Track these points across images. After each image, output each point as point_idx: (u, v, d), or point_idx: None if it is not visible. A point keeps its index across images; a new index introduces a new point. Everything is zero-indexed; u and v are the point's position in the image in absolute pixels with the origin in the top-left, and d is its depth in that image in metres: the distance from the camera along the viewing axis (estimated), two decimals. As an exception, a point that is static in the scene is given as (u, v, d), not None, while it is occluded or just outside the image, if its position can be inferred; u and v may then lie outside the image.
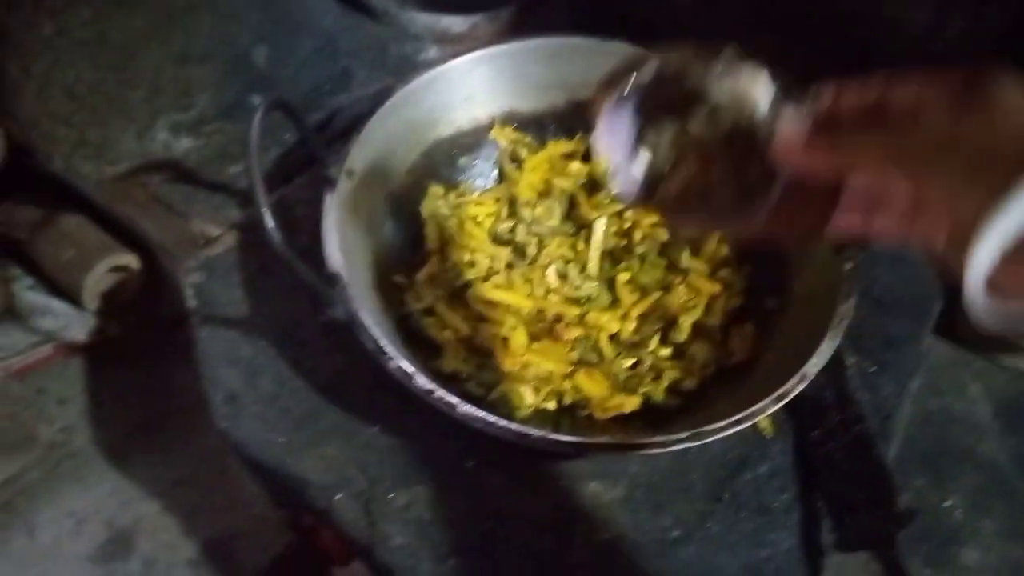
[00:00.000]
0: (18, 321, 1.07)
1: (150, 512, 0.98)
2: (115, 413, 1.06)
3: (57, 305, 1.07)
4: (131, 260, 1.04)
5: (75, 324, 1.06)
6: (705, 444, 0.62)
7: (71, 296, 1.05)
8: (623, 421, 0.69)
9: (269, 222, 0.53)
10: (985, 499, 0.88)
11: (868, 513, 0.60)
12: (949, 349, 1.03)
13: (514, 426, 0.57)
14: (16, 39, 0.87)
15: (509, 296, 0.77)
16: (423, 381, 0.58)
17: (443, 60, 0.82)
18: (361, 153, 0.73)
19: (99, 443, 1.03)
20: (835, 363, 0.67)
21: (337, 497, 0.63)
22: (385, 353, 0.59)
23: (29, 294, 1.07)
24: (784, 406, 0.62)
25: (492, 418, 0.57)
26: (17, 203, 1.07)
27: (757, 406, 0.59)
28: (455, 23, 1.15)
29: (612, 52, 0.84)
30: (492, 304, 0.76)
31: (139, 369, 1.08)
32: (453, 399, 0.58)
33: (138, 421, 1.05)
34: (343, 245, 0.66)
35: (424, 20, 1.14)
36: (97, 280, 1.03)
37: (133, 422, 1.05)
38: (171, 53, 0.86)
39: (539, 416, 0.70)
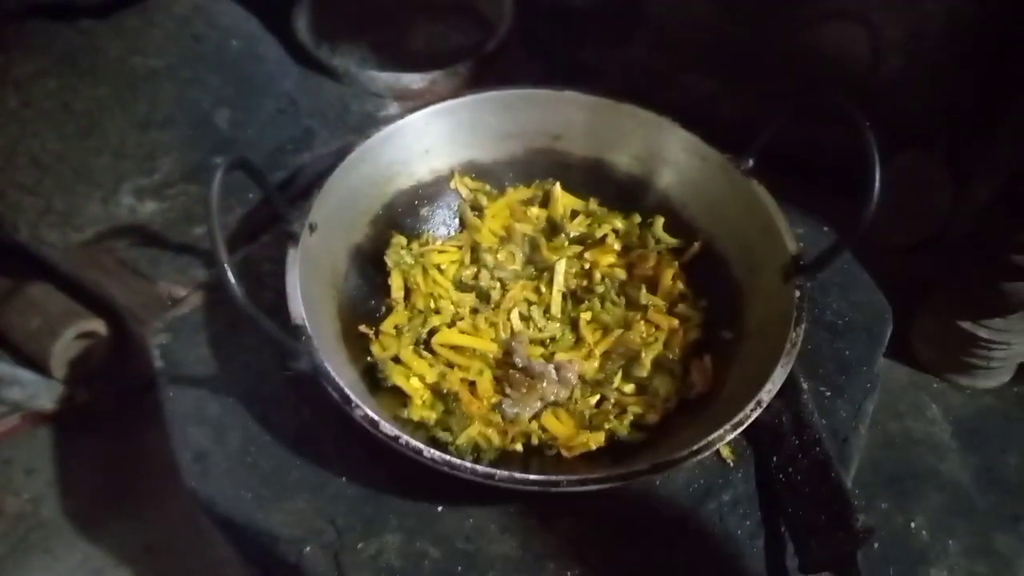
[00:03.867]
0: (-16, 392, 1.06)
1: (121, 580, 0.96)
2: (84, 481, 1.04)
3: (24, 375, 1.06)
4: (98, 326, 1.04)
5: (43, 393, 1.06)
6: (669, 476, 0.64)
7: (39, 365, 1.04)
8: (590, 458, 0.70)
9: (230, 279, 0.54)
10: (949, 518, 0.90)
11: (828, 534, 0.61)
12: (906, 372, 1.06)
13: (480, 467, 0.58)
14: (-20, 113, 0.89)
15: (475, 341, 0.78)
16: (389, 428, 0.59)
17: (401, 114, 0.85)
18: (323, 207, 0.75)
19: (68, 512, 1.01)
20: (791, 389, 0.69)
21: (307, 550, 0.62)
22: (351, 402, 0.60)
23: (-4, 365, 1.07)
24: (744, 434, 0.64)
25: (457, 461, 0.58)
26: (-18, 274, 1.07)
27: (713, 435, 0.61)
28: (414, 80, 1.18)
29: (566, 101, 0.87)
30: (458, 349, 0.78)
31: (108, 435, 1.07)
32: (419, 445, 0.59)
33: (107, 488, 1.03)
34: (306, 298, 0.67)
35: (384, 79, 1.17)
36: (65, 348, 1.03)
37: (102, 489, 1.03)
38: (134, 119, 0.88)
39: (507, 458, 0.70)
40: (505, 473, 0.58)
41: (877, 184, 0.64)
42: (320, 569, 0.62)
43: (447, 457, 0.59)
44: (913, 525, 0.89)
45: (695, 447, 0.60)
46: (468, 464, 0.59)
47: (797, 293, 0.70)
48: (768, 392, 0.63)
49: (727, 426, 0.61)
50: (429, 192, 0.87)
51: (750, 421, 0.62)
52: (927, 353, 1.07)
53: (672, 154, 0.85)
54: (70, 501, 1.02)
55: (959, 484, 0.94)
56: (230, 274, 0.55)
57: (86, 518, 1.01)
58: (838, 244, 0.70)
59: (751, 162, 0.80)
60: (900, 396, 1.03)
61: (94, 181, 0.88)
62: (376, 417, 0.60)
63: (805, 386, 0.71)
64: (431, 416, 0.71)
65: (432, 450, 0.59)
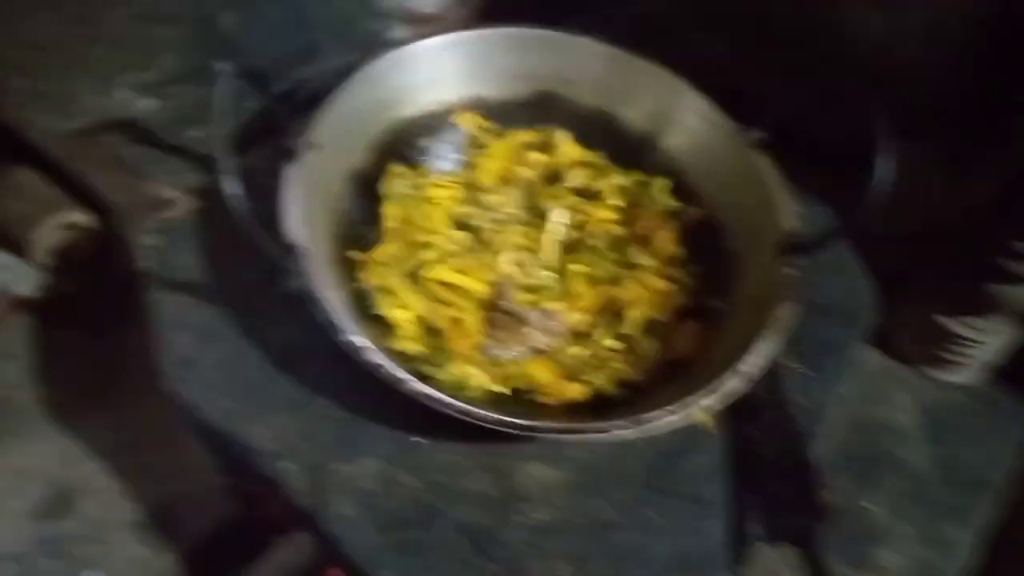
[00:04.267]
0: (-38, 274, 1.04)
1: (93, 473, 0.96)
2: (62, 371, 1.04)
3: (5, 259, 1.04)
4: (83, 218, 1.01)
5: (23, 278, 1.04)
6: (645, 433, 0.65)
7: (19, 251, 1.03)
8: (571, 409, 0.71)
9: (232, 188, 0.53)
10: (905, 503, 0.93)
11: (792, 508, 0.63)
12: (881, 359, 1.07)
13: (459, 403, 0.59)
14: (-26, -17, 0.85)
15: (465, 280, 0.78)
16: (373, 356, 0.60)
17: (411, 40, 0.83)
18: (325, 126, 0.73)
19: (44, 402, 1.01)
20: (772, 364, 0.70)
21: (284, 465, 0.64)
22: (337, 327, 0.60)
23: (-25, 246, 1.04)
24: (724, 403, 0.65)
25: (437, 395, 0.59)
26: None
27: (691, 397, 0.62)
28: (425, 3, 1.14)
29: (582, 47, 0.86)
30: (448, 286, 0.78)
31: (88, 330, 1.06)
32: (401, 375, 0.59)
33: (86, 380, 1.03)
34: (302, 217, 0.66)
35: (394, -2, 1.13)
36: (47, 235, 1.00)
37: (80, 381, 1.03)
38: (136, 11, 0.85)
39: (489, 399, 0.71)
40: (484, 412, 0.59)
41: (881, 174, 0.64)
42: (296, 485, 0.63)
43: (426, 390, 0.59)
44: (870, 507, 0.92)
45: (671, 407, 0.61)
46: (448, 399, 0.59)
47: (790, 271, 0.71)
48: (750, 364, 0.65)
49: (705, 391, 0.62)
50: (432, 123, 0.86)
51: (728, 389, 0.63)
52: (902, 342, 1.08)
53: (682, 116, 0.84)
54: (47, 390, 1.02)
55: (919, 471, 0.97)
56: (232, 184, 0.54)
57: (62, 409, 1.01)
58: (838, 228, 0.71)
59: (759, 134, 0.79)
60: (871, 381, 1.05)
61: (89, 70, 0.85)
62: (361, 344, 0.60)
63: (786, 363, 0.73)
64: (416, 348, 0.72)
65: (413, 381, 0.59)
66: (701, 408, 0.62)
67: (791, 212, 0.75)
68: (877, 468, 0.97)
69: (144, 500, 0.96)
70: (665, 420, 0.60)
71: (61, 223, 1.01)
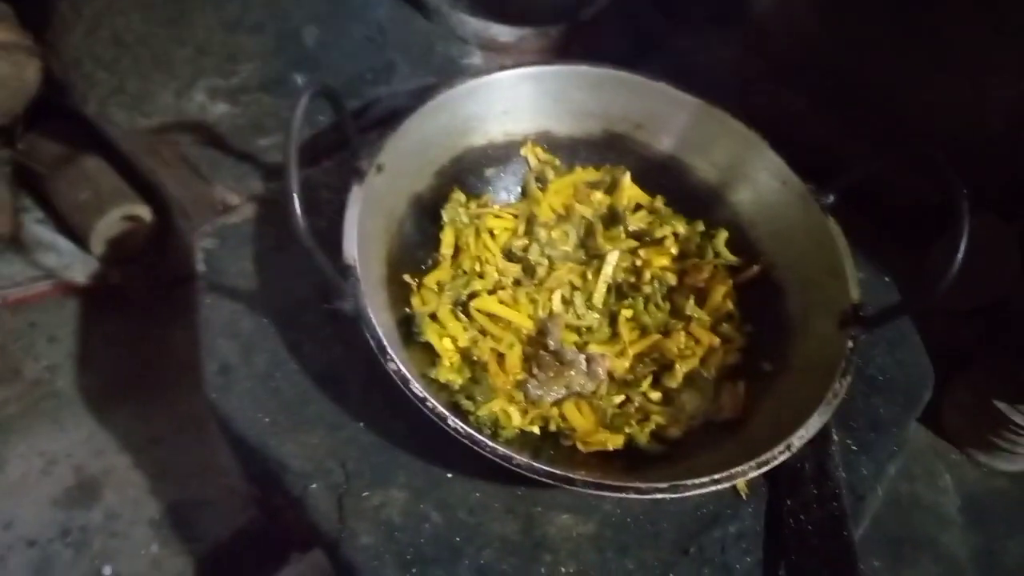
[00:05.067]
0: (22, 253, 1.07)
1: (121, 465, 0.97)
2: (103, 360, 1.05)
3: (63, 243, 1.07)
4: (145, 212, 1.04)
5: (78, 265, 1.06)
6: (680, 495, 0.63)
7: (79, 237, 1.05)
8: (603, 457, 0.70)
9: (296, 209, 0.53)
10: (939, 590, 0.89)
11: (828, 591, 0.61)
12: (928, 436, 1.04)
13: (501, 448, 0.57)
14: (72, -24, 0.88)
15: (511, 313, 0.77)
16: (419, 389, 0.59)
17: (487, 68, 0.83)
18: (395, 149, 0.73)
19: (82, 388, 1.03)
20: (820, 437, 0.68)
21: (312, 486, 0.63)
22: (387, 354, 0.60)
23: (37, 228, 1.07)
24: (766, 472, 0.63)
25: (480, 437, 0.58)
26: (42, 137, 1.07)
27: (738, 468, 0.60)
28: (503, 32, 1.15)
29: (657, 92, 0.85)
30: (494, 318, 0.77)
31: (133, 321, 1.08)
32: (444, 411, 0.58)
33: (124, 372, 1.04)
34: (361, 238, 0.66)
35: (474, 25, 1.14)
36: (108, 226, 1.03)
37: (119, 372, 1.04)
38: (223, 18, 0.87)
39: (523, 439, 0.70)
40: (523, 460, 0.57)
41: (961, 252, 0.62)
42: (323, 508, 0.62)
43: (470, 431, 0.58)
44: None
45: (717, 476, 0.59)
46: (489, 442, 0.58)
47: (850, 344, 0.68)
48: (800, 438, 0.62)
49: (752, 463, 0.60)
50: (499, 154, 0.86)
51: (777, 462, 0.61)
52: (954, 423, 1.05)
53: (753, 171, 0.83)
54: (86, 377, 1.04)
55: (955, 559, 0.93)
56: (297, 204, 0.54)
57: (98, 397, 1.02)
58: (905, 304, 0.68)
59: (832, 198, 0.77)
60: (916, 459, 1.02)
61: (171, 71, 0.87)
62: (408, 375, 0.60)
63: (835, 437, 0.70)
64: (457, 380, 0.71)
65: (456, 420, 0.58)
66: (747, 478, 0.60)
67: (856, 281, 0.73)
68: (914, 550, 0.93)
69: (166, 498, 0.97)
70: (708, 488, 0.58)
71: (123, 215, 1.03)
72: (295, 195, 0.54)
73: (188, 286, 0.77)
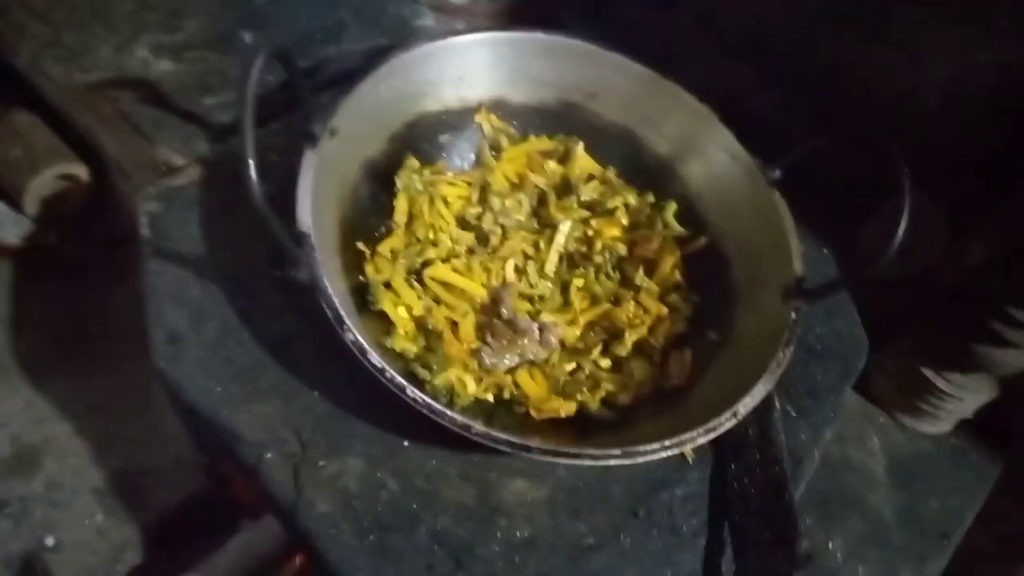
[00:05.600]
0: (-52, 213, 1.01)
1: (61, 434, 0.94)
2: (39, 325, 1.01)
3: (-7, 202, 1.02)
4: (82, 171, 0.99)
5: (10, 225, 1.02)
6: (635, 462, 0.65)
7: (11, 197, 1.00)
8: (556, 424, 0.71)
9: (252, 176, 0.52)
10: (864, 546, 0.94)
11: (770, 550, 0.64)
12: (858, 401, 1.09)
13: (460, 418, 0.58)
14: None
15: (465, 281, 0.77)
16: (376, 359, 0.59)
17: (439, 30, 0.81)
18: (348, 113, 0.72)
19: (17, 354, 0.99)
20: (763, 404, 0.71)
21: (268, 456, 0.62)
22: (344, 324, 0.59)
23: (-35, 186, 1.02)
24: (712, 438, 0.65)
25: (440, 407, 0.58)
26: (-33, 92, 1.01)
27: (688, 435, 0.62)
28: (456, -6, 1.13)
29: (612, 62, 0.85)
30: (448, 286, 0.77)
31: (71, 285, 1.03)
32: (403, 382, 0.59)
33: (62, 337, 1.00)
34: (314, 205, 0.65)
35: (427, -15, 1.12)
36: (42, 185, 0.98)
37: (56, 337, 1.00)
38: (169, -29, 0.83)
39: (477, 406, 0.71)
40: (482, 429, 0.58)
41: (902, 228, 0.64)
42: (278, 477, 0.62)
43: (429, 401, 0.59)
44: (831, 545, 0.93)
45: (667, 443, 0.61)
46: (448, 412, 0.59)
47: (793, 315, 0.71)
48: (746, 405, 0.65)
49: (700, 429, 0.62)
50: (453, 120, 0.85)
51: (723, 429, 0.63)
52: (882, 388, 1.10)
53: (703, 144, 0.84)
54: (21, 343, 1.00)
55: (881, 516, 0.98)
56: (253, 169, 0.52)
57: (36, 364, 0.98)
58: (845, 277, 0.71)
59: (778, 172, 0.79)
60: (847, 423, 1.07)
61: (112, 25, 0.83)
62: (366, 345, 0.59)
63: (777, 404, 0.73)
64: (412, 349, 0.71)
65: (415, 390, 0.59)
66: (696, 444, 0.62)
67: (800, 254, 0.75)
68: (842, 509, 0.98)
69: (110, 467, 0.94)
70: (659, 454, 0.60)
71: (59, 174, 0.99)
72: (251, 161, 0.52)
73: (127, 247, 0.74)
